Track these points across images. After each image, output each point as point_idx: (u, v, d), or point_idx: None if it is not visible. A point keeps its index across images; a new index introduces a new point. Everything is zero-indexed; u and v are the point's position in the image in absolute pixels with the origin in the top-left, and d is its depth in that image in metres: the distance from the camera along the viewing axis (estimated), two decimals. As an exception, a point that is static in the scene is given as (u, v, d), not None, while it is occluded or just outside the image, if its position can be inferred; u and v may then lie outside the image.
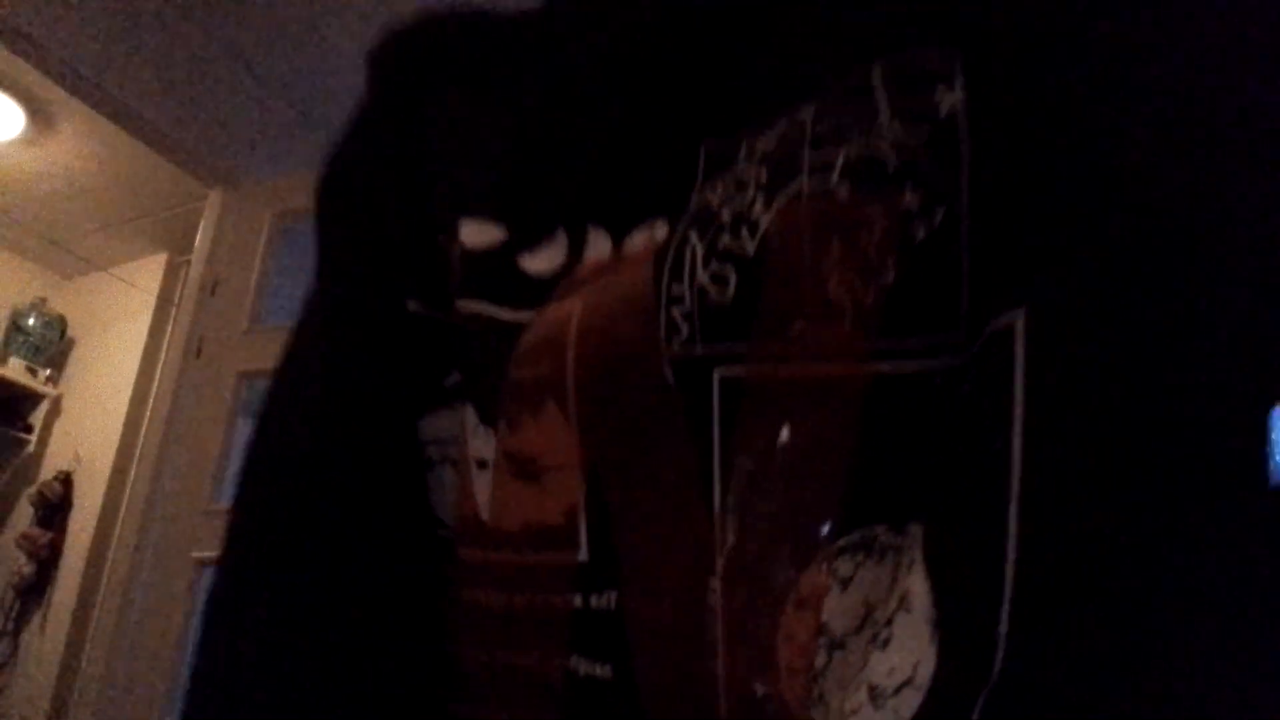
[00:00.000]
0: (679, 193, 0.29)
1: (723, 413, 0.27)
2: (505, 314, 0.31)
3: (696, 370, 0.27)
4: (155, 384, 2.95)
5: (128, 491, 2.79)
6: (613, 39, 0.38)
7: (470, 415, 0.31)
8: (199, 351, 2.38)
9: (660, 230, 0.29)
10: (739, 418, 0.26)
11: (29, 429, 3.23)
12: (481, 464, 0.31)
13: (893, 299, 0.25)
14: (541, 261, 0.31)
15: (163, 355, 3.00)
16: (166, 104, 2.52)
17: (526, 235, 0.32)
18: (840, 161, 0.27)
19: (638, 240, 0.30)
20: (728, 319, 0.27)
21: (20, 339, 3.23)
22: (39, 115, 2.81)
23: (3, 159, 2.97)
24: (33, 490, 3.07)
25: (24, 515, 3.07)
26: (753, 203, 0.27)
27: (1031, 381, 0.22)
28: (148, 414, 2.90)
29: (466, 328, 0.32)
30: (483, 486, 0.31)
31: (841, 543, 0.25)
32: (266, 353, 2.34)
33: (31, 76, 2.49)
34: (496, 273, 0.32)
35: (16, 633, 2.95)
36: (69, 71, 2.34)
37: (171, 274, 3.24)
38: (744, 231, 0.27)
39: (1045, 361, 0.22)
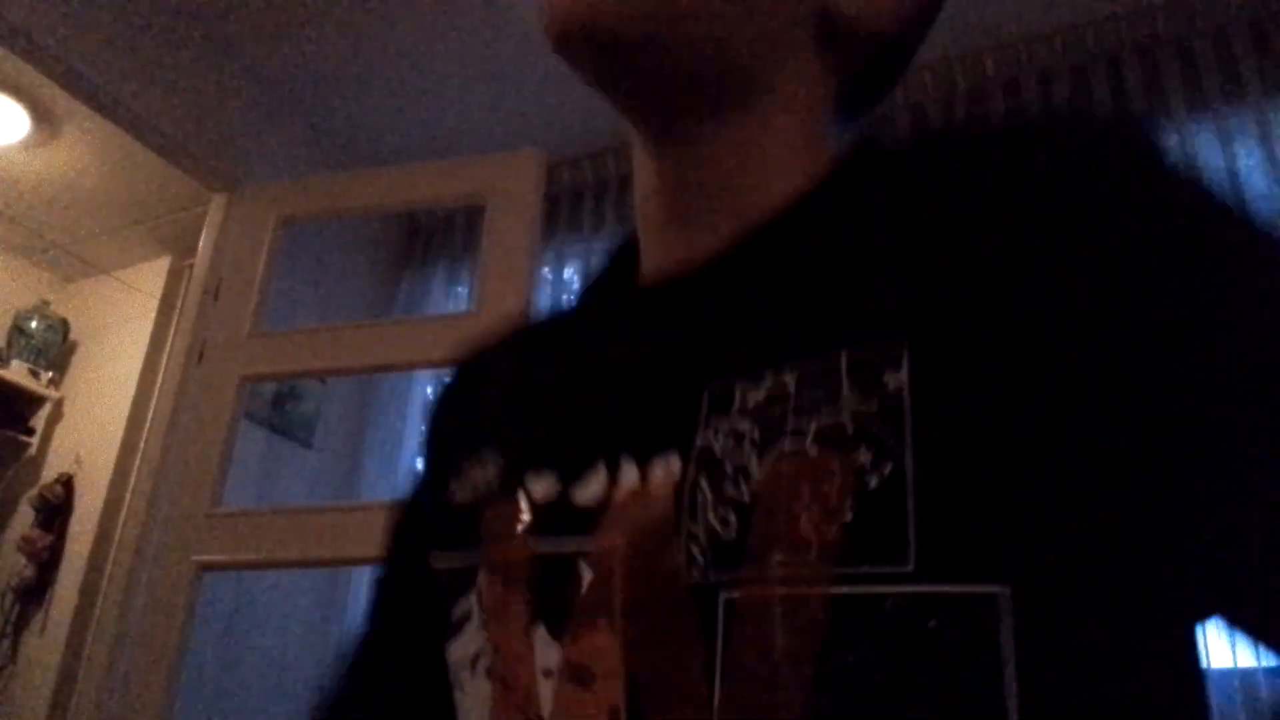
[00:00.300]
0: (688, 428, 0.37)
1: (725, 627, 0.34)
2: (568, 545, 0.39)
3: (708, 594, 0.34)
4: (157, 387, 2.95)
5: (129, 495, 2.78)
6: (628, 303, 0.49)
7: (542, 633, 0.38)
8: (201, 355, 2.38)
9: (674, 463, 0.37)
10: (735, 631, 0.33)
11: (30, 431, 3.23)
12: (547, 673, 0.38)
13: (849, 534, 0.32)
14: (588, 492, 0.39)
15: (165, 359, 3.00)
16: (170, 108, 2.52)
17: (575, 472, 0.40)
18: (813, 428, 0.35)
19: (658, 472, 0.37)
20: (731, 552, 0.34)
21: (23, 341, 3.23)
22: (43, 119, 2.81)
23: (7, 162, 2.97)
24: (33, 493, 3.07)
25: (25, 518, 3.06)
26: (748, 457, 0.35)
27: (1022, 652, 0.30)
28: (149, 417, 2.90)
29: (539, 563, 0.40)
30: (547, 693, 0.38)
31: None
32: (269, 357, 2.34)
33: (36, 80, 2.49)
34: (558, 511, 0.40)
35: (16, 635, 2.95)
36: (73, 75, 2.34)
37: (174, 278, 3.24)
38: (741, 481, 0.35)
39: (1031, 630, 0.30)
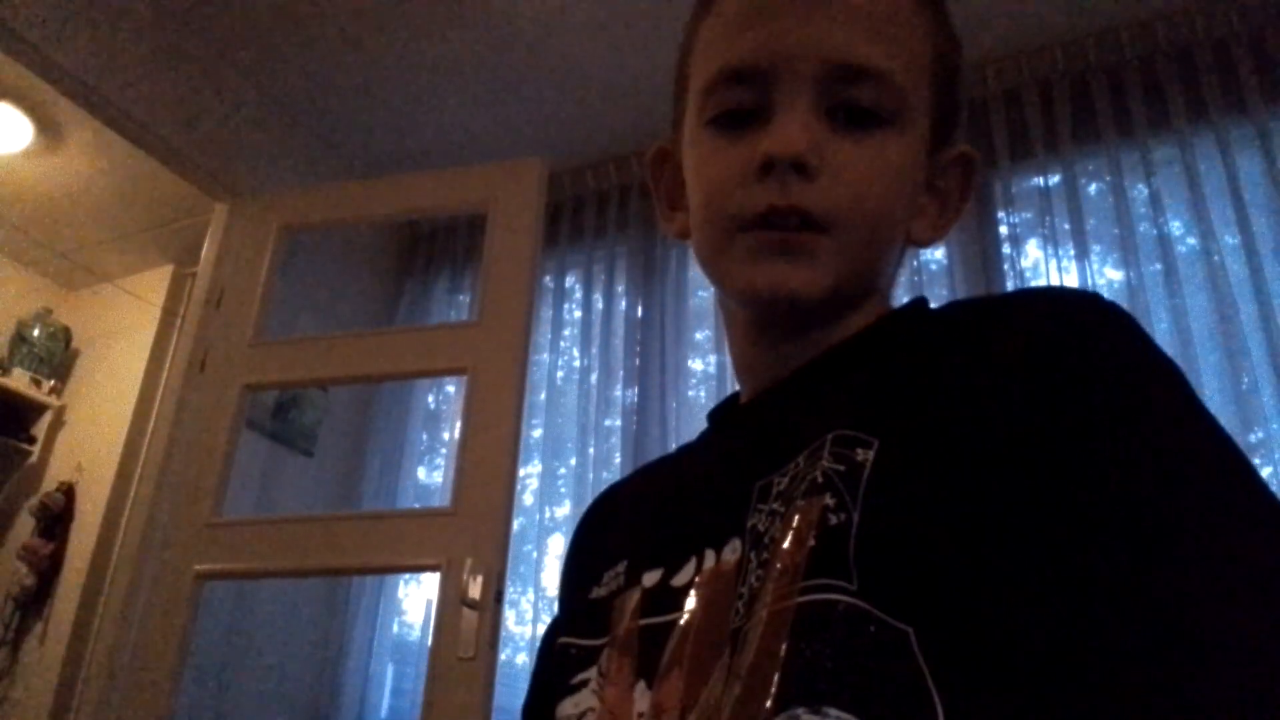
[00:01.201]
0: (743, 519, 0.50)
1: (733, 649, 0.44)
2: (663, 619, 0.51)
3: (737, 633, 0.45)
4: (159, 396, 2.95)
5: (130, 503, 2.79)
6: (724, 423, 0.65)
7: (641, 686, 0.49)
8: (203, 364, 2.39)
9: (737, 546, 0.49)
10: (739, 647, 0.44)
11: (32, 439, 3.23)
12: (641, 715, 0.49)
13: (813, 557, 0.43)
14: (682, 578, 0.51)
15: (167, 367, 3.00)
16: (174, 117, 2.53)
17: (676, 566, 0.52)
18: (804, 486, 0.46)
19: (728, 555, 0.49)
20: (755, 599, 0.45)
21: (25, 350, 3.24)
22: (47, 127, 2.82)
23: (10, 171, 2.98)
24: (34, 501, 3.07)
25: (25, 526, 3.06)
26: (777, 528, 0.46)
27: (934, 670, 0.39)
28: (151, 426, 2.90)
29: (645, 633, 0.51)
30: None
31: (779, 719, 0.39)
32: (270, 366, 2.35)
33: (40, 89, 2.50)
34: (661, 594, 0.52)
35: (16, 644, 2.95)
36: (77, 84, 2.35)
37: (177, 286, 3.25)
38: (771, 546, 0.46)
39: (939, 660, 0.39)
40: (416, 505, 2.84)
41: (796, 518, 0.45)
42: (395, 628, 2.75)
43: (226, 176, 2.63)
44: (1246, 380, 2.01)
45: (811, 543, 0.43)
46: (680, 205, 0.66)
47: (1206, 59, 2.32)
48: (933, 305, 0.60)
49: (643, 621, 0.52)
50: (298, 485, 2.74)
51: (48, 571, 2.95)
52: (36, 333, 3.27)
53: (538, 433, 2.70)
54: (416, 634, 2.69)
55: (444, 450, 2.92)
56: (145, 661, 2.08)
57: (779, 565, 0.44)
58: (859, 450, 0.46)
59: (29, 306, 3.34)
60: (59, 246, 3.32)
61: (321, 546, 2.15)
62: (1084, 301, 0.49)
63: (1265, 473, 1.96)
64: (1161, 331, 2.13)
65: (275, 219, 2.50)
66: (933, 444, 0.45)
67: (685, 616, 0.49)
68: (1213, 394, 2.04)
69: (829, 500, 0.44)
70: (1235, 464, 0.43)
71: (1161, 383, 0.46)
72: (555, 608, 0.70)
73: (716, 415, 0.68)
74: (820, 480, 0.45)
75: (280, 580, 2.56)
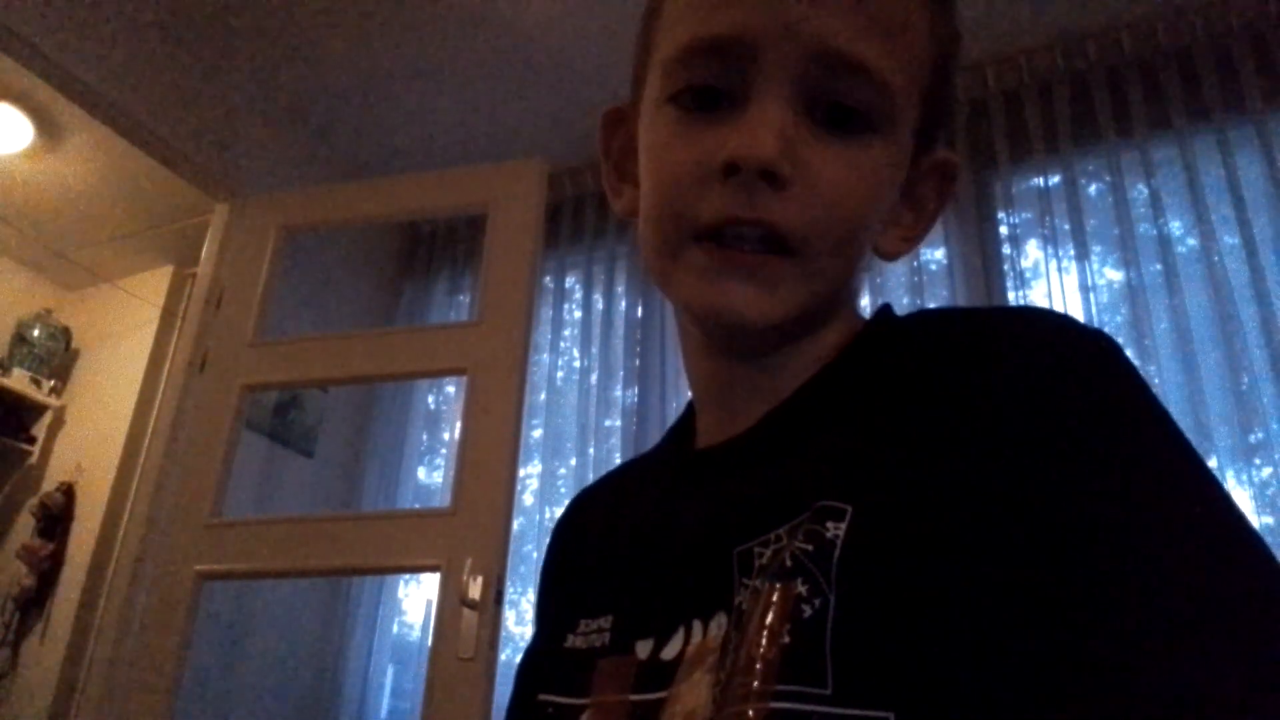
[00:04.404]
0: (728, 590, 0.46)
1: None
2: (653, 696, 0.48)
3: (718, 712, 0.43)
4: (159, 396, 2.95)
5: (130, 504, 2.79)
6: (685, 464, 0.59)
7: None
8: (203, 364, 2.39)
9: (724, 621, 0.46)
10: None
11: (32, 440, 3.23)
12: None
13: (786, 655, 0.40)
14: (672, 651, 0.49)
15: (167, 367, 3.00)
16: (174, 118, 2.53)
17: (665, 636, 0.49)
18: (778, 568, 0.43)
19: (714, 629, 0.47)
20: (726, 688, 0.43)
21: (25, 350, 3.24)
22: (47, 128, 2.82)
23: (10, 171, 2.98)
24: (34, 501, 3.07)
25: (25, 526, 3.06)
26: (753, 610, 0.44)
27: None
28: (151, 426, 2.90)
29: (635, 709, 0.49)
30: None
31: None
32: (270, 366, 2.35)
33: (40, 89, 2.50)
34: (651, 668, 0.49)
35: (17, 644, 2.95)
36: (77, 84, 2.35)
37: (177, 287, 3.25)
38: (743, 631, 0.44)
39: None
40: (416, 506, 2.84)
41: (769, 607, 0.42)
42: (395, 628, 2.75)
43: (226, 177, 2.63)
44: (1247, 380, 2.01)
45: (785, 640, 0.40)
46: (631, 178, 0.58)
47: (1206, 59, 2.32)
48: (900, 313, 0.56)
49: (634, 697, 0.49)
50: (298, 485, 2.74)
51: (48, 572, 2.95)
52: (37, 333, 3.28)
53: (538, 433, 2.70)
54: (416, 634, 2.69)
55: (444, 451, 2.92)
56: (145, 662, 2.08)
57: (746, 656, 0.41)
58: (830, 524, 0.42)
59: (29, 307, 3.34)
60: (59, 247, 3.32)
61: (321, 547, 2.15)
62: (1075, 342, 0.44)
63: (1265, 473, 1.96)
64: (1161, 332, 2.14)
65: (275, 219, 2.50)
66: (907, 505, 0.42)
67: (671, 696, 0.47)
68: (1213, 394, 2.04)
69: (801, 588, 0.41)
70: (1243, 536, 0.38)
71: (1158, 438, 0.41)
72: (533, 622, 0.68)
73: (679, 432, 0.63)
74: (789, 564, 0.42)
75: (280, 581, 2.56)
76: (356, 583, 2.72)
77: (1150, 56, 2.39)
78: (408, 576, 2.75)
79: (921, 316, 0.53)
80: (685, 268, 0.50)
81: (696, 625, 0.48)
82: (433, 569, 2.04)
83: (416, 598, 2.77)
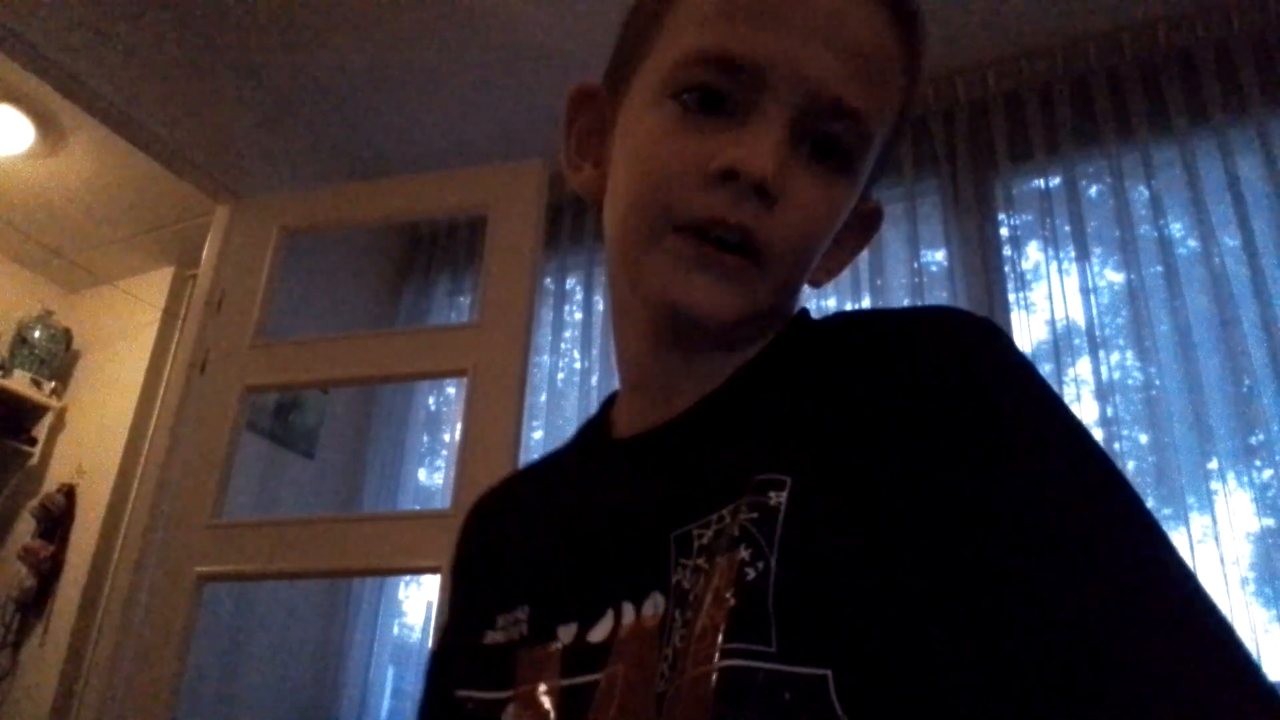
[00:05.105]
0: (665, 571, 0.48)
1: (661, 714, 0.43)
2: (584, 679, 0.48)
3: (662, 697, 0.44)
4: (160, 397, 2.96)
5: (130, 505, 2.79)
6: (605, 453, 0.62)
7: None
8: (204, 365, 2.39)
9: (660, 601, 0.47)
10: (665, 715, 0.43)
11: (32, 441, 3.23)
12: None
13: (733, 618, 0.42)
14: (600, 633, 0.49)
15: (167, 369, 3.01)
16: (174, 119, 2.53)
17: (590, 620, 0.50)
18: (725, 542, 0.45)
19: (648, 610, 0.48)
20: (679, 660, 0.44)
21: (25, 351, 3.24)
22: (48, 129, 2.82)
23: (11, 172, 2.98)
24: (35, 503, 3.07)
25: (26, 528, 3.06)
26: (702, 585, 0.45)
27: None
28: (151, 427, 2.90)
29: (564, 694, 0.49)
30: None
31: None
32: (272, 367, 2.35)
33: (41, 91, 2.51)
34: (578, 652, 0.50)
35: (17, 646, 2.95)
36: (78, 86, 2.35)
37: (178, 288, 3.25)
38: (695, 605, 0.45)
39: (854, 703, 0.39)
40: (417, 507, 2.84)
41: (716, 576, 0.44)
42: (396, 629, 2.75)
43: (227, 178, 2.63)
44: (1248, 382, 2.01)
45: (731, 601, 0.42)
46: (591, 157, 0.61)
47: (1207, 61, 2.32)
48: (817, 317, 0.60)
49: (563, 682, 0.50)
50: (298, 487, 2.74)
51: (48, 573, 2.95)
52: (37, 334, 3.28)
53: (538, 435, 2.69)
54: (417, 636, 2.69)
55: (444, 452, 2.92)
56: (145, 663, 2.08)
57: (700, 625, 0.43)
58: (772, 494, 0.45)
59: (30, 308, 3.34)
60: (60, 248, 3.33)
61: (322, 548, 2.15)
62: (964, 323, 0.49)
63: (1266, 475, 1.96)
64: (1162, 333, 2.13)
65: (276, 220, 2.50)
66: (841, 478, 0.45)
67: (607, 677, 0.47)
68: (1213, 396, 2.04)
69: (744, 553, 0.43)
70: (1120, 489, 0.44)
71: (1045, 410, 0.46)
72: (439, 629, 0.67)
73: (594, 427, 0.65)
74: (737, 534, 0.45)
75: (280, 582, 2.56)
76: (357, 584, 2.72)
77: (1151, 58, 2.39)
78: (408, 578, 2.75)
79: (837, 317, 0.57)
80: (661, 254, 0.53)
81: (627, 607, 0.49)
82: (433, 570, 2.03)
83: (417, 599, 2.77)
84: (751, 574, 0.43)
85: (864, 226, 0.62)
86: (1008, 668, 0.40)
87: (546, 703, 0.50)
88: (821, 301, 2.37)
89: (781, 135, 0.51)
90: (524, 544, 0.61)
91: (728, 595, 0.43)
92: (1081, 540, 0.41)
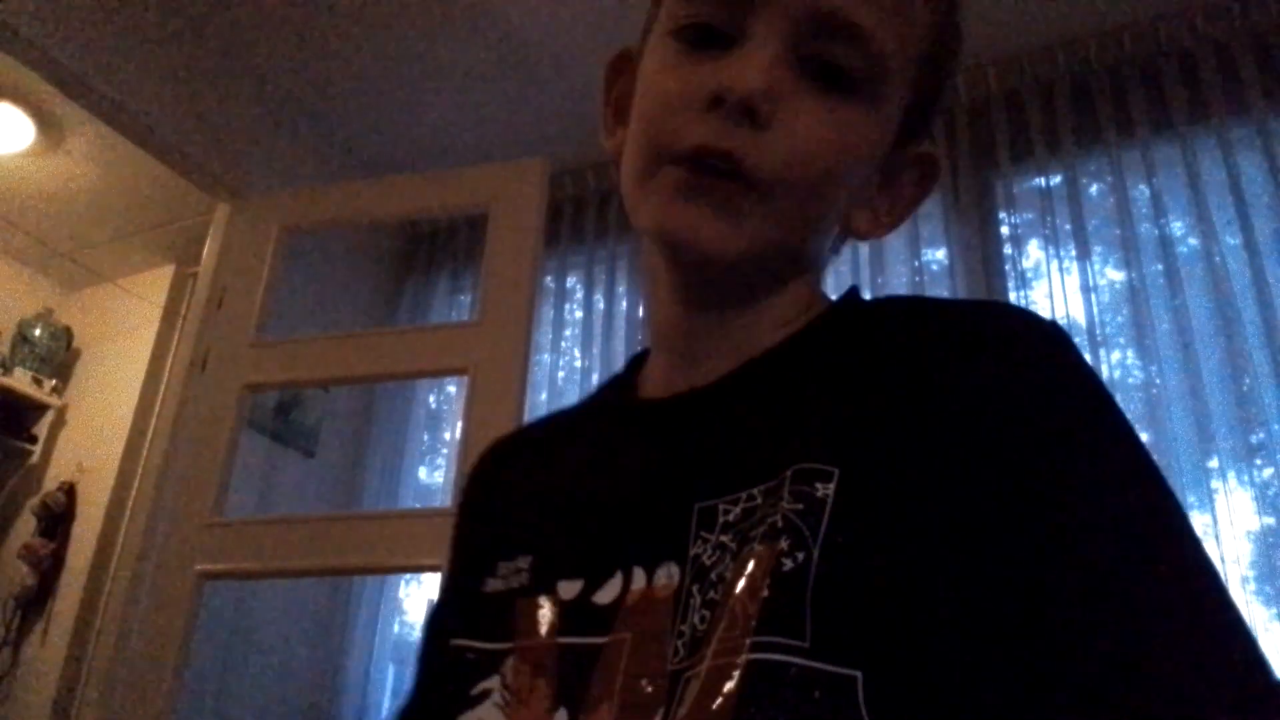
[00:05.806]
0: (683, 542, 0.46)
1: (680, 697, 0.42)
2: (586, 640, 0.47)
3: (678, 676, 0.43)
4: (160, 396, 2.96)
5: (131, 503, 2.79)
6: (630, 412, 0.59)
7: (562, 714, 0.46)
8: (204, 364, 2.38)
9: (674, 572, 0.46)
10: (684, 699, 0.41)
11: (33, 439, 3.23)
12: None
13: (765, 608, 0.40)
14: (606, 595, 0.48)
15: (168, 367, 3.00)
16: (175, 117, 2.53)
17: (597, 580, 0.48)
18: (762, 530, 0.43)
19: (661, 579, 0.46)
20: (701, 642, 0.42)
21: (26, 349, 3.24)
22: (48, 127, 2.82)
23: (12, 170, 2.98)
24: (36, 501, 3.07)
25: (27, 525, 3.06)
26: (727, 564, 0.44)
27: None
28: (152, 425, 2.90)
29: (565, 654, 0.48)
30: None
31: None
32: (272, 366, 2.35)
33: (41, 88, 2.50)
34: (582, 611, 0.48)
35: (18, 644, 2.95)
36: (78, 84, 2.35)
37: (178, 286, 3.25)
38: (719, 585, 0.43)
39: (883, 706, 0.38)
40: (417, 505, 2.84)
41: (751, 563, 0.42)
42: (396, 628, 2.75)
43: (228, 176, 2.63)
44: (1248, 381, 2.01)
45: (765, 592, 0.41)
46: (626, 120, 0.59)
47: (1208, 59, 2.31)
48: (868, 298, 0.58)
49: (561, 639, 0.48)
50: (299, 485, 2.74)
51: (49, 571, 2.95)
52: (38, 332, 3.28)
53: (539, 433, 2.69)
54: (417, 634, 2.69)
55: (445, 450, 2.92)
56: (146, 661, 2.08)
57: (730, 613, 0.41)
58: (819, 485, 0.43)
59: (30, 306, 3.34)
60: (60, 246, 3.33)
61: (322, 547, 2.15)
62: (1034, 324, 0.48)
63: (1266, 474, 1.96)
64: (1163, 332, 2.13)
65: (276, 219, 2.50)
66: (893, 473, 0.43)
67: (613, 643, 0.46)
68: (1214, 395, 2.04)
69: (784, 544, 0.42)
70: (1173, 511, 0.43)
71: (1105, 422, 0.45)
72: (446, 577, 0.64)
73: (619, 385, 0.62)
74: (780, 525, 0.43)
75: (281, 580, 2.56)
76: (357, 582, 2.72)
77: (1152, 57, 2.38)
78: (408, 576, 2.75)
79: (892, 300, 0.55)
80: (654, 188, 0.51)
81: (638, 572, 0.47)
82: (433, 569, 2.03)
83: (417, 597, 2.77)
84: (789, 565, 0.41)
85: (920, 175, 0.58)
86: (1040, 680, 0.39)
87: (548, 661, 0.48)
88: (822, 300, 2.36)
89: (775, 53, 0.49)
90: (534, 494, 0.60)
91: (762, 586, 0.41)
92: (1136, 559, 0.40)
